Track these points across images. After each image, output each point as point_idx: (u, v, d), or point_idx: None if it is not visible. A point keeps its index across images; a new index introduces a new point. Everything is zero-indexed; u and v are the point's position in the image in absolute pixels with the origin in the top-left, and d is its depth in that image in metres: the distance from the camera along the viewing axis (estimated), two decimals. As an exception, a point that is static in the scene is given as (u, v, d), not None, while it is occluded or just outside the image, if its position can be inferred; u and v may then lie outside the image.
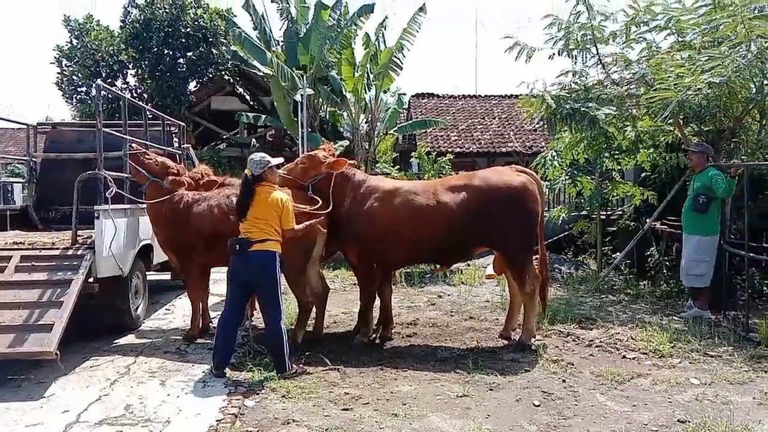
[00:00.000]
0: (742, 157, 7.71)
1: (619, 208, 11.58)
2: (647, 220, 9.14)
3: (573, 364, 5.43)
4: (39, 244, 6.15)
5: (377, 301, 6.44)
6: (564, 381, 5.00)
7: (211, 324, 6.65)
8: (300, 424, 4.11)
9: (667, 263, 8.49)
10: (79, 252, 5.86)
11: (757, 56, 6.38)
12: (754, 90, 7.01)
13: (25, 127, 8.94)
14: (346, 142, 17.07)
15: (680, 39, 7.97)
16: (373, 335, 6.36)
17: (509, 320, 6.38)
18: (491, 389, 4.82)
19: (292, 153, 15.68)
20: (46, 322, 5.05)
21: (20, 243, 6.19)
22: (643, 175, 10.07)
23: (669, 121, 7.94)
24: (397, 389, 4.81)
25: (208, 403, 4.56)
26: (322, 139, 14.27)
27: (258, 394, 4.73)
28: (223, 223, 6.10)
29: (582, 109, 8.02)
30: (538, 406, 4.46)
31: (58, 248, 5.98)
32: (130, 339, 6.46)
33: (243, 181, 5.35)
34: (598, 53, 8.61)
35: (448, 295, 8.83)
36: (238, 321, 5.43)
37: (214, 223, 6.18)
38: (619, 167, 9.94)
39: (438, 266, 7.13)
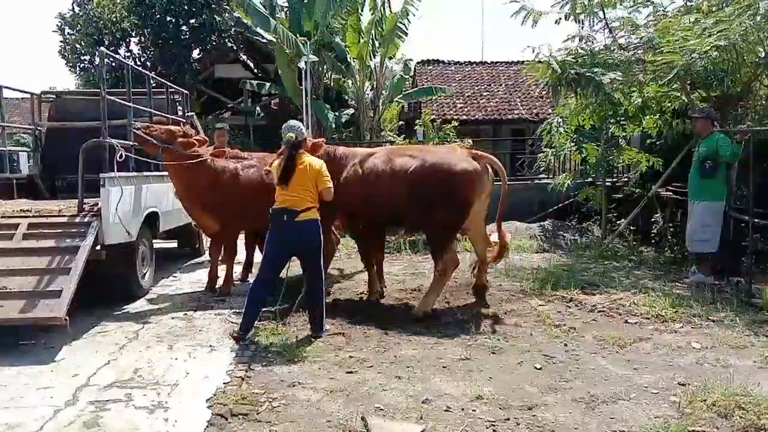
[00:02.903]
0: (749, 122, 7.64)
1: (625, 175, 11.52)
2: (653, 187, 9.11)
3: (575, 329, 5.47)
4: (46, 211, 6.17)
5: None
6: (566, 345, 5.06)
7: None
8: (306, 386, 4.18)
9: (672, 230, 8.48)
10: (86, 219, 5.89)
11: (765, 18, 6.29)
12: (763, 54, 6.93)
13: (29, 96, 8.93)
14: (351, 111, 16.95)
15: (688, 2, 7.87)
16: (377, 296, 6.62)
17: (479, 274, 6.63)
18: (493, 353, 4.88)
19: (298, 121, 15.58)
20: (55, 288, 5.12)
21: (27, 210, 6.22)
22: (648, 141, 9.99)
23: (675, 87, 7.86)
24: (400, 353, 4.87)
25: (215, 367, 4.63)
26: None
27: (264, 357, 4.80)
28: (257, 190, 6.41)
29: (587, 74, 7.94)
30: (540, 369, 4.51)
31: (65, 216, 6.01)
32: (138, 306, 6.54)
33: (287, 146, 5.24)
34: (605, 17, 8.51)
35: (453, 262, 8.84)
36: (272, 289, 5.44)
37: (249, 190, 6.60)
38: (625, 134, 9.86)
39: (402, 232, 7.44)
